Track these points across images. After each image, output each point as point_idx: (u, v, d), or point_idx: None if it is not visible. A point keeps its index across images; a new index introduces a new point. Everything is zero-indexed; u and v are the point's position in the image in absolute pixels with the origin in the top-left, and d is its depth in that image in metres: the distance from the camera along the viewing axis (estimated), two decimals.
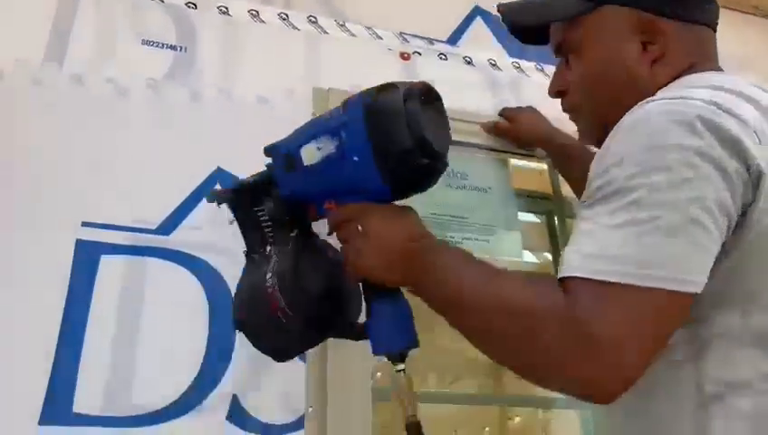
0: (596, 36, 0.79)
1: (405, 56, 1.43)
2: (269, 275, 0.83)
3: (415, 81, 0.75)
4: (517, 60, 1.55)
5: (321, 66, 1.32)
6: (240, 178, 1.13)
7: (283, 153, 0.83)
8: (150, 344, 0.96)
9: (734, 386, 0.60)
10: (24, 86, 1.08)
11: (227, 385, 0.96)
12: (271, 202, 0.86)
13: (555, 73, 0.86)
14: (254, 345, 0.86)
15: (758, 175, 0.59)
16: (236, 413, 0.95)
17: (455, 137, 1.28)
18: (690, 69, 0.74)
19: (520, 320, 0.59)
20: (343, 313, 0.82)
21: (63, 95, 1.10)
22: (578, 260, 0.57)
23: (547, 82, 0.88)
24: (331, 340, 1.02)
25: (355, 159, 0.74)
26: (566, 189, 1.38)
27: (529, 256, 1.51)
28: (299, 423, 0.97)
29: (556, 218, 1.37)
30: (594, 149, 0.83)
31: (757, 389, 0.59)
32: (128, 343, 0.95)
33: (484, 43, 1.53)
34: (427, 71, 1.43)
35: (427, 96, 0.74)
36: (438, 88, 1.38)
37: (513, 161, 1.36)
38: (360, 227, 0.75)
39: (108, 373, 0.92)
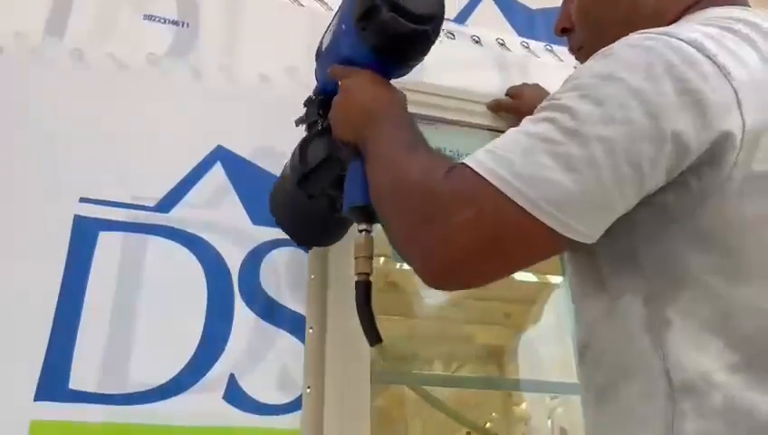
0: None
1: None
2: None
3: None
4: (526, 40, 1.51)
5: None
6: (240, 157, 1.13)
7: (316, 51, 0.94)
8: (148, 322, 0.95)
9: (702, 377, 0.54)
10: (24, 60, 1.07)
11: (225, 365, 0.95)
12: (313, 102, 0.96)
13: (561, 9, 0.83)
14: (279, 226, 0.99)
15: (724, 137, 0.53)
16: (234, 393, 0.94)
17: (460, 117, 1.31)
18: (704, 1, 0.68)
19: (399, 186, 0.62)
20: (338, 186, 0.83)
21: (64, 70, 1.09)
22: (478, 151, 0.58)
23: (556, 63, 0.86)
24: (330, 321, 1.02)
25: (343, 27, 0.82)
26: None
27: None
28: (296, 404, 0.96)
29: None
30: None
31: (727, 382, 0.54)
32: (125, 320, 0.94)
33: (492, 23, 1.50)
34: (435, 49, 1.39)
35: None
36: (445, 68, 1.37)
37: None
38: (339, 84, 0.82)
39: (104, 350, 0.91)
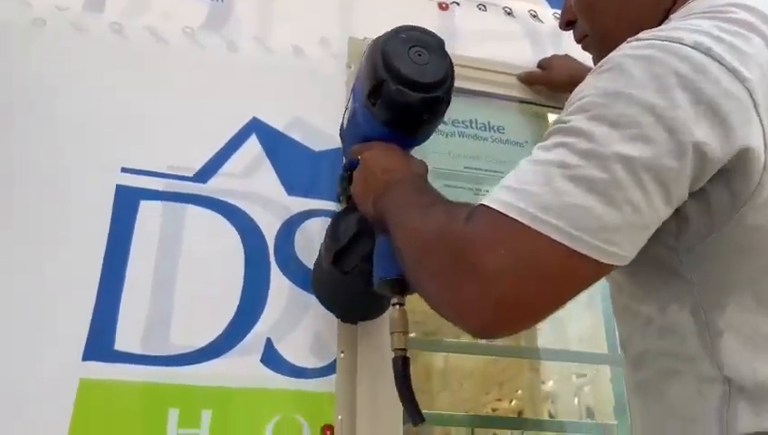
0: None
1: (443, 6, 1.40)
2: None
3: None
4: (558, 11, 1.49)
5: (355, 16, 1.30)
6: (274, 129, 1.15)
7: (340, 125, 0.96)
8: (188, 287, 0.98)
9: (755, 378, 0.55)
10: (65, 33, 1.10)
11: (261, 329, 0.98)
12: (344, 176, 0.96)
13: (564, 4, 0.82)
14: (321, 302, 0.99)
15: (746, 148, 0.53)
16: (270, 356, 0.97)
17: (492, 89, 1.31)
18: None
19: (423, 242, 0.60)
20: (371, 260, 0.82)
21: (103, 43, 1.12)
22: (494, 191, 0.56)
23: None
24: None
25: (357, 105, 0.83)
26: None
27: None
28: (330, 368, 0.98)
29: None
30: None
31: None
32: (166, 286, 0.97)
33: None
34: (466, 21, 1.39)
35: (411, 36, 0.79)
36: (477, 39, 1.37)
37: (551, 116, 1.33)
38: (359, 159, 0.82)
39: (147, 314, 0.95)
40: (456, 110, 1.24)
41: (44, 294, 0.92)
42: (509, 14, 1.44)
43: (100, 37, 1.12)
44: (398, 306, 0.77)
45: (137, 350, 0.93)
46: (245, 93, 1.15)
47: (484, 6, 1.43)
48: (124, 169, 1.03)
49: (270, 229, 1.06)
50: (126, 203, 1.01)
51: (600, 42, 0.76)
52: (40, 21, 1.10)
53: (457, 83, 1.28)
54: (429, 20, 1.36)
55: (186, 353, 0.94)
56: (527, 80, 1.30)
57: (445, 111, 0.80)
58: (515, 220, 0.52)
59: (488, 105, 1.29)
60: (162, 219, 1.01)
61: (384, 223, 0.71)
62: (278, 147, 1.13)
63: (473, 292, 0.53)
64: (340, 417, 0.95)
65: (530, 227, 0.51)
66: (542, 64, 1.31)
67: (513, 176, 0.56)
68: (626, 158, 0.51)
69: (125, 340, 0.93)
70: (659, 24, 0.66)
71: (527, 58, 1.38)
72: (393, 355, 0.76)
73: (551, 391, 1.93)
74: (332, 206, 1.10)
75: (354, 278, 0.87)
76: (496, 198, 0.54)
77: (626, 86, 0.54)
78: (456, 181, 1.19)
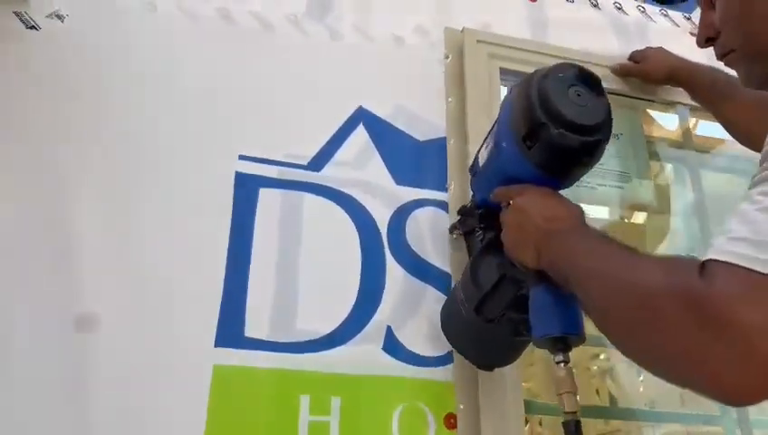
0: None
1: None
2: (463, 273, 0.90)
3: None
4: (642, 4, 1.50)
5: (451, 6, 1.30)
6: (380, 118, 1.15)
7: (470, 166, 0.92)
8: (310, 275, 0.98)
9: None
10: (175, 17, 1.10)
11: (381, 317, 0.99)
12: (471, 213, 0.94)
13: (700, 21, 0.80)
14: (455, 349, 0.95)
15: None
16: (391, 344, 0.97)
17: None
18: None
19: (644, 298, 0.54)
20: (517, 308, 0.80)
21: (212, 28, 1.11)
22: (724, 243, 0.51)
23: (672, 29, 0.84)
24: None
25: (503, 144, 0.78)
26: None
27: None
28: (448, 357, 0.99)
29: (687, 170, 1.34)
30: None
31: None
32: (290, 274, 0.98)
33: None
34: (554, 12, 1.39)
35: (569, 75, 0.73)
36: (565, 30, 1.36)
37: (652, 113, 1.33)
38: (510, 204, 0.78)
39: (273, 301, 0.95)
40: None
41: (174, 280, 0.93)
42: (595, 5, 1.44)
43: (209, 22, 1.12)
44: (562, 365, 0.71)
45: (265, 336, 0.93)
46: (350, 82, 1.16)
47: None
48: (242, 157, 1.03)
49: (382, 218, 1.06)
50: (246, 190, 1.01)
51: (753, 57, 0.74)
52: (150, 5, 1.10)
53: None
54: (519, 11, 1.37)
55: (312, 340, 0.95)
56: (622, 72, 1.30)
57: (602, 154, 0.75)
58: (766, 276, 0.48)
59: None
60: (281, 207, 1.02)
61: (557, 274, 0.68)
62: (384, 136, 1.13)
63: (729, 353, 0.47)
64: (461, 406, 0.96)
65: None
66: (635, 57, 1.31)
67: (743, 226, 0.51)
68: None
69: (254, 326, 0.93)
70: None
71: (614, 49, 1.38)
72: (563, 419, 0.70)
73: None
74: (440, 195, 1.11)
75: (500, 328, 0.83)
76: (733, 251, 0.50)
77: None
78: None
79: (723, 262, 0.50)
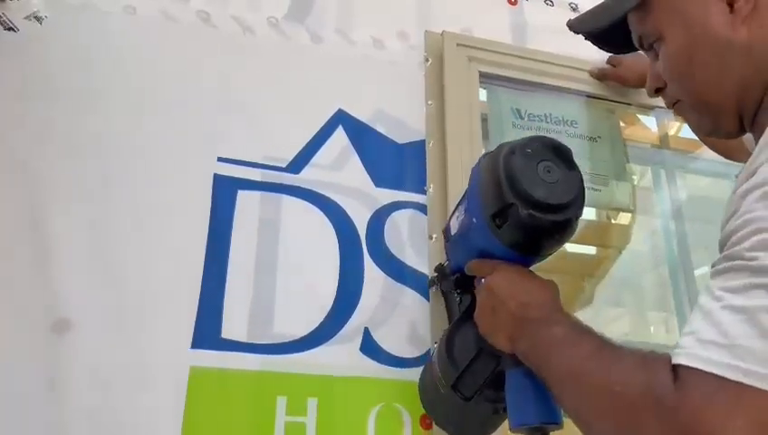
0: (672, 13, 0.71)
1: (512, 1, 1.41)
2: (435, 348, 0.87)
3: (537, 137, 0.73)
4: None
5: (432, 10, 1.31)
6: (359, 121, 1.16)
7: (444, 227, 0.89)
8: (288, 277, 0.99)
9: None
10: (155, 21, 1.10)
11: (359, 319, 1.00)
12: (447, 277, 0.91)
13: (649, 72, 0.78)
14: (434, 421, 0.92)
15: None
16: (369, 345, 0.98)
17: (563, 84, 1.32)
18: None
19: (622, 407, 0.53)
20: (495, 385, 0.77)
21: (193, 31, 1.12)
22: (694, 346, 0.50)
23: None
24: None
25: (474, 220, 0.75)
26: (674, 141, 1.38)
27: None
28: (426, 357, 1.00)
29: (664, 172, 1.36)
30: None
31: None
32: (268, 276, 0.98)
33: None
34: (534, 16, 1.41)
35: (538, 150, 0.71)
36: (545, 34, 1.38)
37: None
38: (482, 282, 0.76)
39: (251, 303, 0.96)
40: (531, 104, 1.27)
41: (151, 281, 0.93)
42: (574, 9, 1.45)
43: (189, 25, 1.12)
44: None
45: (243, 338, 0.94)
46: (330, 85, 1.16)
47: (551, 1, 1.44)
48: (220, 159, 1.04)
49: (361, 221, 1.07)
50: (224, 192, 1.02)
51: (699, 108, 0.74)
52: (130, 8, 1.10)
53: (532, 78, 1.31)
54: (499, 15, 1.38)
55: (289, 342, 0.95)
56: (599, 75, 1.31)
57: (575, 231, 0.72)
58: (741, 384, 0.46)
59: (561, 100, 1.31)
60: (260, 209, 1.02)
61: (533, 368, 0.66)
62: (364, 139, 1.14)
63: None
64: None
65: (763, 390, 0.46)
66: (612, 61, 1.33)
67: (710, 328, 0.50)
68: None
69: (231, 328, 0.94)
70: (761, 95, 0.66)
71: (593, 54, 1.39)
72: None
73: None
74: (419, 198, 1.12)
75: (478, 406, 0.80)
76: (704, 357, 0.48)
77: None
78: None
79: (693, 368, 0.49)
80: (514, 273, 0.73)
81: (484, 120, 1.23)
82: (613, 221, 1.51)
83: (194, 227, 0.98)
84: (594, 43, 0.86)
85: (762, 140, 0.59)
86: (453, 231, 0.84)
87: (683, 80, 0.72)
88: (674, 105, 0.77)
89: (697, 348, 0.49)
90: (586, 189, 1.23)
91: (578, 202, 0.71)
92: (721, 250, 0.55)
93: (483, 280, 0.76)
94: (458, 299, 0.88)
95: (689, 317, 0.54)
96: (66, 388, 0.85)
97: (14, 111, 0.98)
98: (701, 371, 0.48)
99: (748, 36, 0.66)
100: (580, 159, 1.25)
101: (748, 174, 0.55)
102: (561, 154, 0.72)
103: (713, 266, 0.54)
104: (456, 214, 0.83)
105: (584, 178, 1.22)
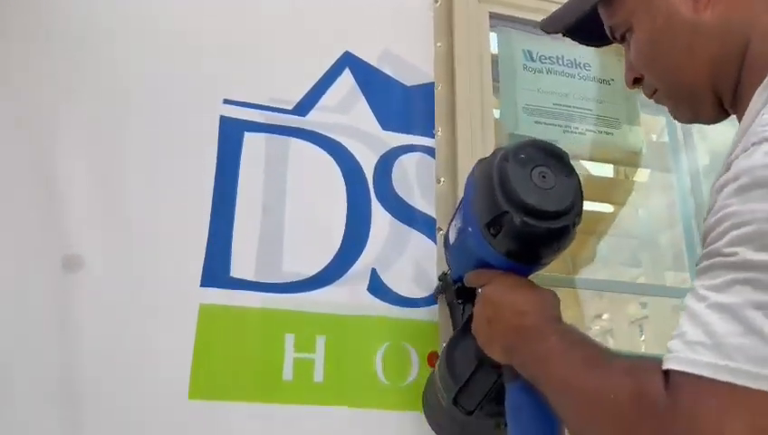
0: (638, 1, 0.69)
1: None
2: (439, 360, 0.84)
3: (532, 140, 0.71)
4: None
5: None
6: (367, 63, 1.15)
7: (444, 234, 0.87)
8: (296, 219, 0.99)
9: None
10: None
11: (366, 260, 1.00)
12: (449, 286, 0.89)
13: (625, 62, 0.76)
14: (432, 428, 0.89)
15: None
16: (377, 286, 0.99)
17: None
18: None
19: (614, 414, 0.52)
20: (497, 399, 0.75)
21: None
22: (681, 349, 0.48)
23: None
24: None
25: (469, 229, 0.73)
26: None
27: None
28: (432, 298, 1.01)
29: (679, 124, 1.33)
30: None
31: None
32: (275, 217, 0.99)
33: None
34: None
35: (532, 155, 0.69)
36: None
37: None
38: (479, 292, 0.74)
39: (259, 243, 0.97)
40: (543, 46, 1.25)
41: (160, 221, 0.94)
42: None
43: None
44: None
45: (251, 277, 0.95)
46: (336, 26, 1.15)
47: None
48: (226, 101, 1.03)
49: (368, 163, 1.07)
50: (231, 134, 1.01)
51: (674, 94, 0.72)
52: None
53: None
54: None
55: (297, 281, 0.96)
56: None
57: (574, 236, 0.70)
58: (732, 384, 0.45)
59: (573, 42, 1.27)
60: (266, 151, 1.02)
61: (531, 380, 0.64)
62: (371, 81, 1.12)
63: None
64: (444, 344, 0.97)
65: (754, 389, 0.45)
66: None
67: (696, 328, 0.49)
68: None
69: (240, 267, 0.95)
70: (739, 65, 0.63)
71: None
72: None
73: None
74: (427, 141, 1.11)
75: (479, 420, 0.78)
76: (692, 359, 0.47)
77: None
78: (545, 118, 1.19)
79: (683, 372, 0.47)
80: (510, 282, 0.71)
81: (495, 63, 1.21)
82: (630, 179, 1.49)
83: (201, 167, 0.98)
84: (573, 39, 0.83)
85: (740, 127, 0.58)
86: (451, 240, 0.82)
87: (654, 67, 0.71)
88: (653, 95, 0.75)
89: (685, 351, 0.48)
90: (598, 133, 1.24)
91: (575, 208, 0.68)
92: (702, 247, 0.54)
93: (479, 290, 0.75)
94: (462, 309, 0.86)
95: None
96: (77, 327, 0.86)
97: (18, 52, 0.98)
98: (690, 374, 0.47)
99: (712, 17, 0.65)
100: (592, 102, 1.25)
101: (725, 168, 0.54)
102: (556, 158, 0.70)
103: (696, 265, 0.53)
104: (454, 222, 0.82)
105: (596, 121, 1.24)
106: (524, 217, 0.65)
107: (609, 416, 0.52)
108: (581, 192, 0.69)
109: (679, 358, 0.48)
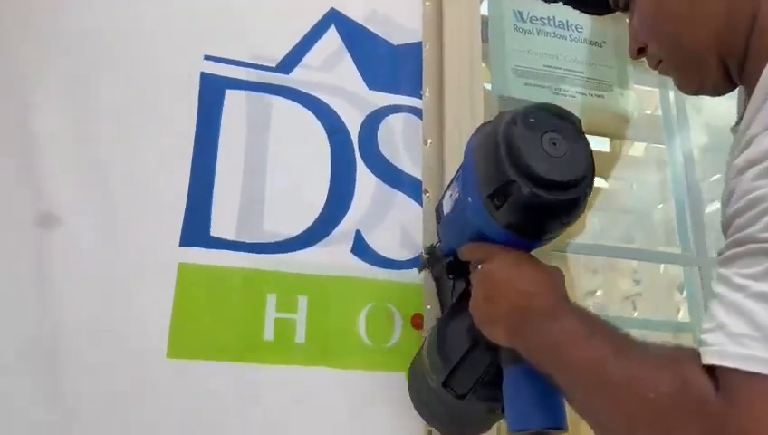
0: None
1: None
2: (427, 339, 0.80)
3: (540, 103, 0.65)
4: None
5: None
6: (353, 21, 1.12)
7: (436, 206, 0.82)
8: (278, 178, 0.97)
9: None
10: None
11: (350, 221, 0.98)
12: (439, 259, 0.84)
13: (629, 32, 0.72)
14: (423, 419, 0.84)
15: None
16: (361, 247, 0.97)
17: None
18: None
19: (656, 414, 0.48)
20: (491, 382, 0.71)
21: None
22: (725, 342, 0.45)
23: None
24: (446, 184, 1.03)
25: (469, 199, 0.68)
26: None
27: None
28: (418, 260, 0.99)
29: (672, 93, 1.31)
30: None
31: None
32: (257, 176, 0.96)
33: None
34: None
35: (542, 120, 0.63)
36: None
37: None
38: (478, 268, 0.69)
39: (240, 202, 0.94)
40: (534, 5, 1.22)
41: (139, 179, 0.92)
42: None
43: None
44: None
45: (232, 236, 0.93)
46: None
47: None
48: (207, 57, 1.00)
49: (353, 123, 1.04)
50: (211, 91, 0.99)
51: (679, 62, 0.68)
52: None
53: None
54: None
55: (279, 241, 0.94)
56: None
57: (584, 209, 0.64)
58: None
59: None
60: (248, 109, 1.00)
61: (539, 367, 0.60)
62: (357, 40, 1.09)
63: None
64: (429, 307, 0.96)
65: None
66: None
67: (738, 319, 0.45)
68: None
69: (220, 226, 0.93)
70: (748, 32, 0.60)
71: None
72: None
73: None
74: (414, 102, 1.08)
75: (471, 404, 0.73)
76: (741, 354, 0.44)
77: None
78: (535, 80, 1.17)
79: (732, 369, 0.44)
80: (514, 258, 0.66)
81: (485, 24, 1.19)
82: (624, 153, 1.48)
83: (181, 124, 0.96)
84: (575, 8, 0.79)
85: (753, 100, 0.54)
86: (446, 210, 0.76)
87: (657, 34, 0.67)
88: (657, 65, 0.71)
89: (730, 344, 0.45)
90: (589, 96, 1.22)
91: (587, 179, 0.62)
92: (725, 233, 0.50)
93: (479, 266, 0.69)
94: (452, 285, 0.81)
95: (707, 312, 0.49)
96: (54, 285, 0.85)
97: None
98: (742, 371, 0.43)
99: None
100: (584, 65, 1.22)
101: (745, 143, 0.50)
102: (568, 123, 0.64)
103: (720, 254, 0.50)
104: (450, 191, 0.76)
105: (587, 84, 1.22)
106: (533, 188, 0.59)
107: (648, 412, 0.48)
108: (593, 161, 0.64)
109: (724, 352, 0.45)
